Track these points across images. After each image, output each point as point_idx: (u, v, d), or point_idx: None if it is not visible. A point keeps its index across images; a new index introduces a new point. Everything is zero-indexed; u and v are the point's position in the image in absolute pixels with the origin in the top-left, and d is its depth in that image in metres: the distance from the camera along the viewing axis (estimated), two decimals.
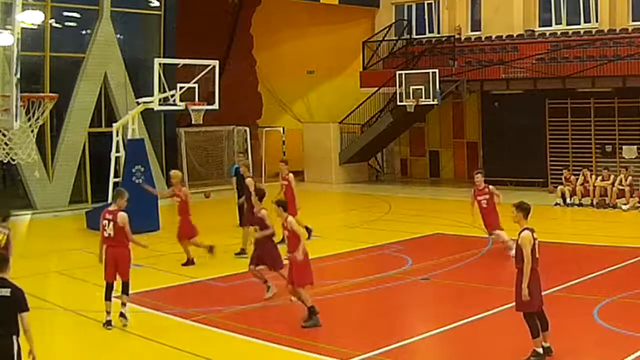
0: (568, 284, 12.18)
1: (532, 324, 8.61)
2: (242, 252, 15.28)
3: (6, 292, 6.97)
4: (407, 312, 11.66)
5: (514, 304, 8.91)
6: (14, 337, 6.90)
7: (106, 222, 10.75)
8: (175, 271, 14.31)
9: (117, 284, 10.78)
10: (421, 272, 13.76)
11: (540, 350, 8.61)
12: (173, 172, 15.61)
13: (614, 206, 21.40)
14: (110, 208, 10.92)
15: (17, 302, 6.98)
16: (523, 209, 8.77)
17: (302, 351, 9.31)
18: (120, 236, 10.70)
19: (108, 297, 10.60)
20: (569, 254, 14.90)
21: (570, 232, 17.62)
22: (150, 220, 18.45)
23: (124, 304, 10.73)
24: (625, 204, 21.22)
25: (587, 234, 17.73)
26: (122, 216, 10.67)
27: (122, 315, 10.66)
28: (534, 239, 8.60)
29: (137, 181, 18.18)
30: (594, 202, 21.76)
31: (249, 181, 15.36)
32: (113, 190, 19.66)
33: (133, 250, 10.98)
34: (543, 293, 8.86)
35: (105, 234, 10.77)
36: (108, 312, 10.56)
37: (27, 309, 7.01)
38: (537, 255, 8.67)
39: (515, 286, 8.65)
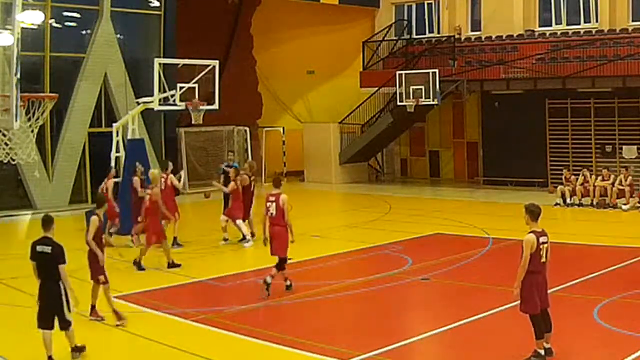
0: (568, 284, 12.18)
1: (537, 326, 8.61)
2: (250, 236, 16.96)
3: (48, 249, 8.90)
4: (407, 312, 11.66)
5: (514, 304, 8.92)
6: (59, 282, 8.88)
7: (270, 203, 12.23)
8: (175, 271, 14.31)
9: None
10: (421, 272, 13.76)
11: (542, 351, 8.61)
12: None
13: (614, 206, 21.40)
14: (274, 192, 12.30)
15: (56, 257, 8.86)
16: (530, 211, 8.75)
17: (302, 351, 9.30)
18: (280, 216, 12.13)
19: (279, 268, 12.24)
20: (569, 254, 14.89)
21: (570, 232, 17.60)
22: None
23: (272, 276, 12.09)
24: (625, 204, 21.22)
25: (587, 234, 17.73)
26: (284, 198, 12.20)
27: (265, 282, 11.98)
28: (540, 243, 8.59)
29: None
30: (594, 202, 21.76)
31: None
32: (113, 190, 19.71)
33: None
34: None
35: (268, 214, 12.26)
36: (272, 276, 12.07)
37: (63, 262, 8.90)
38: (544, 259, 8.64)
39: (520, 288, 8.66)
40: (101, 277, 10.73)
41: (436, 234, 18.43)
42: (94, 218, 10.80)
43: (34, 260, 9.02)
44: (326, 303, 12.05)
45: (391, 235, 17.82)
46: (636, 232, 17.52)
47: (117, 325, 10.50)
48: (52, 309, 8.89)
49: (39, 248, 8.98)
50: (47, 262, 8.89)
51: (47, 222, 9.14)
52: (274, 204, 12.24)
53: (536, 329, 8.62)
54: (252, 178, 17.37)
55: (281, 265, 12.31)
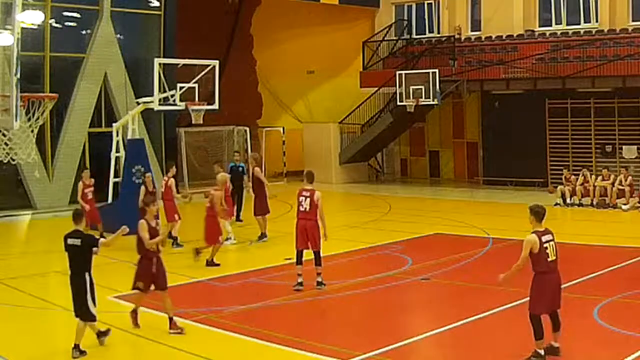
0: (568, 284, 12.10)
1: (536, 326, 8.60)
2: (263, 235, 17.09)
3: (78, 241, 9.26)
4: (407, 312, 11.66)
5: (514, 304, 8.93)
6: (86, 274, 9.27)
7: (303, 198, 12.35)
8: (175, 271, 14.26)
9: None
10: (421, 272, 13.76)
11: (542, 352, 8.60)
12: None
13: (614, 206, 21.41)
14: (307, 187, 12.49)
15: (88, 246, 9.25)
16: (534, 212, 8.76)
17: (302, 351, 9.30)
18: (313, 211, 12.20)
19: (299, 262, 12.38)
20: (569, 254, 14.83)
21: (570, 232, 17.58)
22: None
23: (318, 274, 12.39)
24: (625, 204, 21.22)
25: (587, 234, 17.72)
26: (318, 194, 12.31)
27: (318, 283, 12.34)
28: (543, 242, 8.57)
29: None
30: (594, 202, 21.76)
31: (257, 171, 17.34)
32: (113, 190, 19.75)
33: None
34: None
35: (302, 209, 12.35)
36: (299, 275, 12.30)
37: (96, 246, 9.29)
38: (551, 259, 8.65)
39: (530, 288, 8.67)
40: (139, 283, 10.36)
41: (436, 234, 18.43)
42: (140, 222, 10.23)
43: (66, 251, 9.42)
44: (326, 303, 12.05)
45: (391, 235, 17.82)
46: (636, 232, 17.53)
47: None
48: (78, 300, 9.30)
49: (69, 241, 9.35)
50: (77, 254, 9.29)
51: (77, 216, 9.55)
52: (309, 199, 12.27)
53: (536, 329, 8.61)
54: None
55: (318, 258, 12.38)
